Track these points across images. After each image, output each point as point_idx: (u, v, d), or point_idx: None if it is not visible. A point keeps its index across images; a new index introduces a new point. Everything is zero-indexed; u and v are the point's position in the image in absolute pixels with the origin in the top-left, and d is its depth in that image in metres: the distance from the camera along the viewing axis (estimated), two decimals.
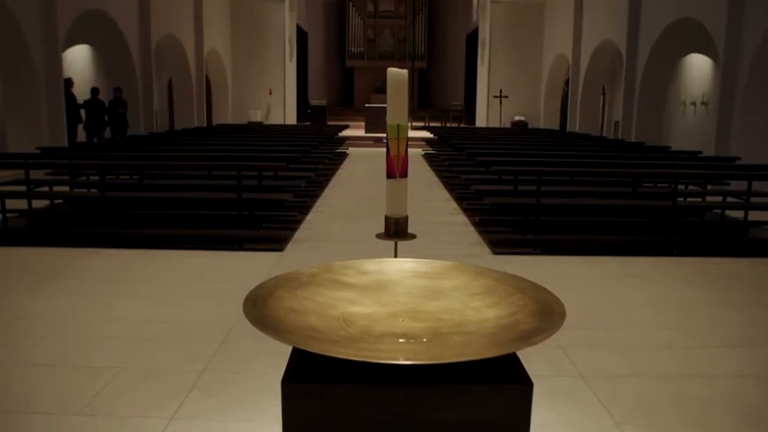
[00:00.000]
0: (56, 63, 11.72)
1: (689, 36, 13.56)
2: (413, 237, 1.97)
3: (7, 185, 7.65)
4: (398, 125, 1.89)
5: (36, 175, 8.19)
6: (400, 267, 1.85)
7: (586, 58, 19.08)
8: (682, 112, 15.68)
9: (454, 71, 30.93)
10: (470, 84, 26.22)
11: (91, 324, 4.28)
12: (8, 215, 7.20)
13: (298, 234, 7.20)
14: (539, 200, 6.75)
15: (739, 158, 9.68)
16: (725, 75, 11.44)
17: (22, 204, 7.41)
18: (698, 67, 14.95)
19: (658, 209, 7.64)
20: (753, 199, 7.46)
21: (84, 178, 8.87)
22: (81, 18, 12.74)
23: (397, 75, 1.90)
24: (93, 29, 14.16)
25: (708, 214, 8.41)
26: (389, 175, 1.92)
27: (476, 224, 7.79)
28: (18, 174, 8.09)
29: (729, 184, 8.64)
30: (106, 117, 14.71)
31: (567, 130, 20.32)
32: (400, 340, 1.49)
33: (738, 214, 7.57)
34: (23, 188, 7.62)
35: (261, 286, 1.65)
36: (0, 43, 11.02)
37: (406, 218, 1.95)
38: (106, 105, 14.75)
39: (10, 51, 11.07)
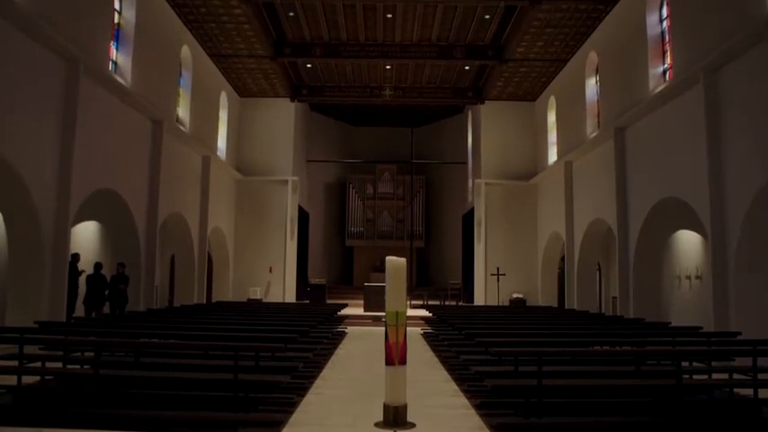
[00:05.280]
0: (64, 239, 12.04)
1: (676, 213, 14.06)
2: (412, 426, 1.94)
3: None
4: (397, 312, 1.93)
5: (31, 350, 8.07)
6: None
7: (579, 235, 19.60)
8: (677, 286, 15.84)
9: (452, 250, 31.59)
10: (468, 262, 26.67)
11: None
12: None
13: (294, 417, 6.96)
14: (540, 381, 6.62)
15: (740, 333, 9.63)
16: (714, 250, 11.71)
17: (11, 380, 7.23)
18: (688, 241, 15.35)
19: (663, 388, 7.46)
20: (760, 375, 7.32)
21: (79, 354, 8.74)
22: (92, 196, 13.29)
23: (396, 263, 1.97)
24: (103, 206, 14.71)
25: (716, 392, 8.19)
26: (388, 362, 1.93)
27: (477, 407, 7.56)
28: (11, 348, 7.97)
29: (734, 360, 8.51)
30: (106, 292, 14.79)
31: (566, 306, 20.37)
32: None
33: (747, 391, 7.38)
34: (15, 363, 7.48)
35: None
36: (12, 217, 11.42)
37: (405, 406, 1.93)
38: (108, 280, 14.90)
39: (21, 226, 11.45)
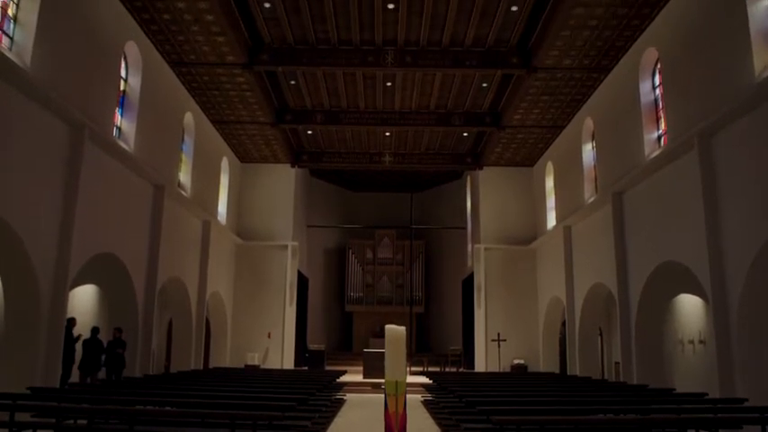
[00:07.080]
0: (61, 304, 11.89)
1: (677, 277, 13.99)
2: None
3: None
4: (397, 381, 1.90)
5: (23, 416, 7.88)
6: None
7: (580, 300, 19.47)
8: (681, 350, 15.62)
9: (452, 315, 31.32)
10: (468, 327, 26.39)
11: None
12: None
13: None
14: None
15: (747, 400, 9.45)
16: (716, 315, 11.56)
17: None
18: (690, 305, 15.21)
19: None
20: None
21: (72, 422, 8.54)
22: (91, 259, 13.24)
23: (395, 331, 1.96)
24: (102, 270, 14.64)
25: None
26: None
27: None
28: (3, 415, 7.79)
29: (742, 429, 8.32)
30: (103, 357, 14.57)
31: (568, 372, 20.06)
32: None
33: None
34: (6, 431, 7.30)
35: None
36: (10, 279, 11.32)
37: None
38: (105, 345, 14.69)
39: (19, 288, 11.31)
